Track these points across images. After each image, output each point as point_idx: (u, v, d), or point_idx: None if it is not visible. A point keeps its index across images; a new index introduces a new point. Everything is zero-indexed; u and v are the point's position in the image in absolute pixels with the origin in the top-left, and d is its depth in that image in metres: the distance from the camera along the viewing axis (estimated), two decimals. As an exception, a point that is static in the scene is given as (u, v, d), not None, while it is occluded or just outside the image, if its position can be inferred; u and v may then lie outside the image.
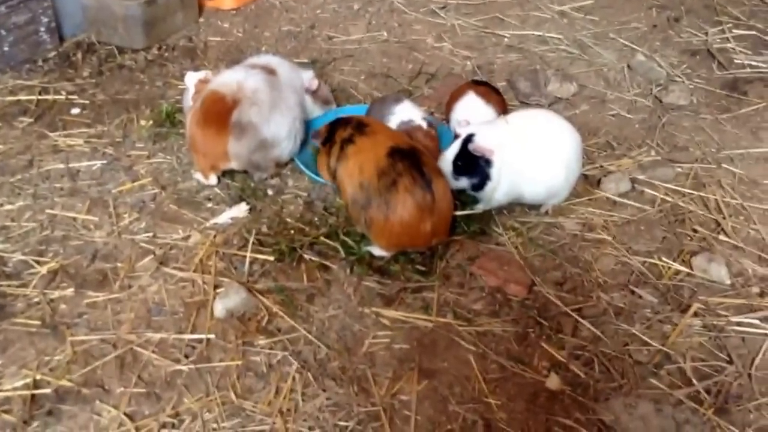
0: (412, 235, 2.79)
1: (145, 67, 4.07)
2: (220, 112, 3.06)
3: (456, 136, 3.05)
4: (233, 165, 3.17)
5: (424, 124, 3.17)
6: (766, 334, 2.71)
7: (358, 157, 2.86)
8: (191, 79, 3.36)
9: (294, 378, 2.51)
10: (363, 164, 2.82)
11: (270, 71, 3.22)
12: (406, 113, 3.20)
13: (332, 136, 2.99)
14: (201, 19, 4.55)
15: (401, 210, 2.74)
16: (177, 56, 4.17)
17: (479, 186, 3.00)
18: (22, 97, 3.79)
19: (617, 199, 3.26)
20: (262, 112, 3.09)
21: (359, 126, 2.93)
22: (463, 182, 3.01)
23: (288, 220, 3.09)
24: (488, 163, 2.96)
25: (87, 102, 3.79)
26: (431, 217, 2.76)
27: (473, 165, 2.97)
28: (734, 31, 4.41)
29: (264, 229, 3.04)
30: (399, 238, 2.81)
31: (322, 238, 2.98)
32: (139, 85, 3.92)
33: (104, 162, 3.37)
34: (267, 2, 4.81)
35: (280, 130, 3.15)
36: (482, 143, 2.95)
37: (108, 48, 4.21)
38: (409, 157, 2.78)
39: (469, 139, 2.96)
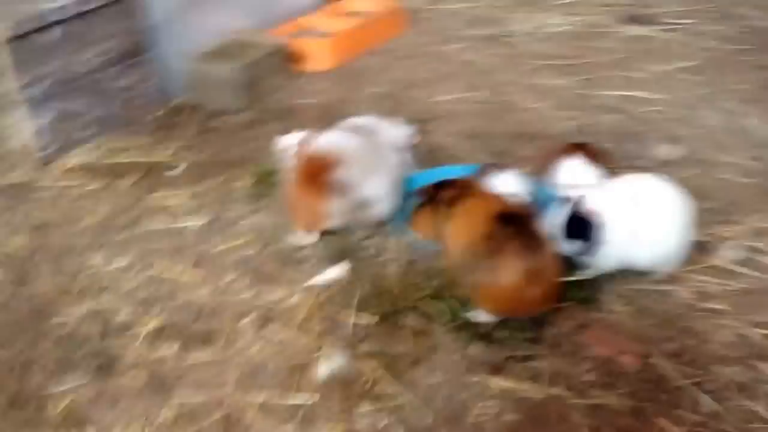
0: (519, 300, 2.72)
1: (243, 128, 4.18)
2: (320, 172, 3.10)
3: (563, 200, 2.99)
4: (332, 224, 3.20)
5: (524, 198, 3.11)
6: None
7: (464, 219, 2.82)
8: (284, 141, 3.42)
9: (400, 446, 2.45)
10: (470, 227, 2.78)
11: (369, 132, 3.27)
12: (506, 182, 3.15)
13: (438, 196, 2.97)
14: (297, 81, 4.65)
15: (508, 275, 2.68)
16: (273, 117, 4.26)
17: (589, 250, 2.93)
18: (127, 160, 3.94)
19: (733, 267, 3.12)
20: (362, 172, 3.12)
21: (467, 188, 2.91)
22: (573, 246, 2.93)
23: (389, 281, 3.06)
24: (598, 226, 2.89)
25: (189, 162, 3.90)
26: (539, 283, 2.69)
27: (583, 229, 2.90)
28: None
29: (365, 290, 3.02)
30: (505, 303, 2.74)
31: (424, 301, 2.94)
32: (237, 145, 4.01)
33: (206, 221, 3.44)
34: (362, 64, 4.89)
35: (379, 189, 3.17)
36: (592, 206, 2.88)
37: (208, 110, 4.35)
38: (518, 222, 2.73)
39: (578, 202, 2.91)
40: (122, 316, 2.94)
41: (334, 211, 3.13)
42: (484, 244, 2.71)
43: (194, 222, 3.43)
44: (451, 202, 2.89)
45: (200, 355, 2.76)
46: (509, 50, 4.91)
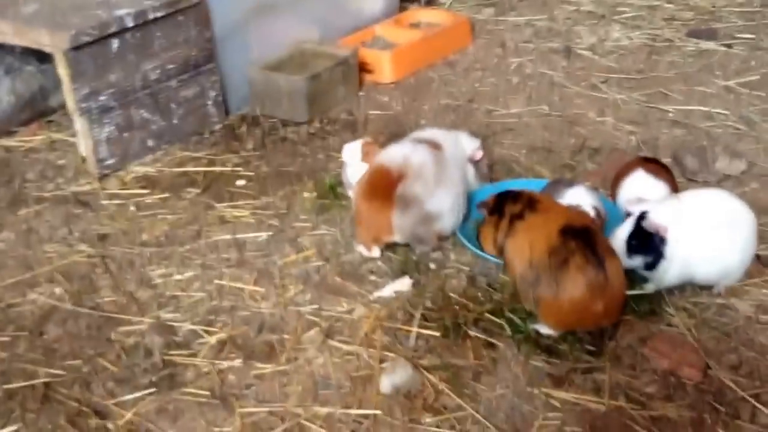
0: (582, 315, 2.75)
1: (308, 140, 4.24)
2: (385, 185, 3.16)
3: (628, 214, 3.01)
4: (396, 238, 3.24)
5: (592, 213, 3.14)
6: None
7: (528, 233, 2.86)
8: (349, 151, 3.49)
9: (463, 458, 2.50)
10: (533, 241, 2.82)
11: (435, 146, 3.31)
12: (575, 197, 3.19)
13: (501, 209, 3.01)
14: (361, 93, 4.72)
15: (572, 289, 2.71)
16: (338, 129, 4.33)
17: (653, 264, 2.94)
18: (190, 169, 4.03)
19: (793, 281, 3.11)
20: (427, 186, 3.16)
21: (530, 202, 2.94)
22: (637, 261, 2.95)
23: (451, 295, 3.10)
24: (662, 240, 2.90)
25: (252, 174, 3.98)
26: (603, 297, 2.71)
27: (647, 243, 2.92)
28: None
29: (428, 303, 3.07)
30: (568, 317, 2.77)
31: (487, 315, 2.97)
32: (301, 157, 4.08)
33: (270, 233, 3.51)
34: (426, 76, 4.94)
35: (444, 203, 3.21)
36: (656, 220, 2.90)
37: (272, 121, 4.42)
38: (582, 236, 2.76)
39: (642, 216, 2.92)
40: (186, 328, 3.01)
41: (398, 225, 3.18)
42: (548, 259, 2.75)
43: (258, 234, 3.51)
44: (515, 217, 2.92)
45: (264, 368, 2.83)
46: (573, 63, 4.93)
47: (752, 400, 2.63)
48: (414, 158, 3.20)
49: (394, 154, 3.25)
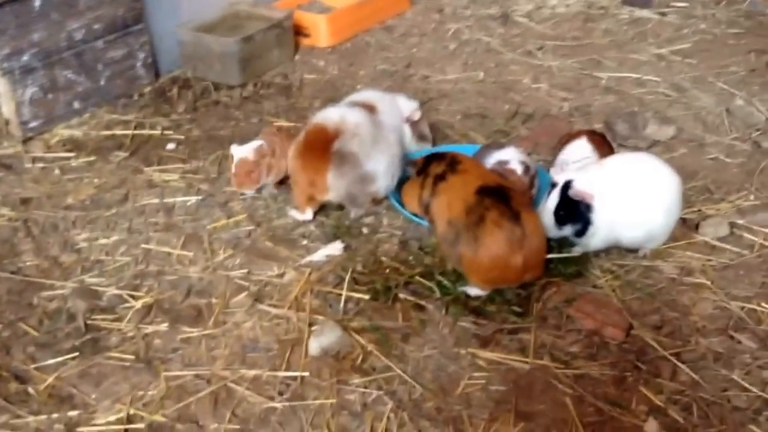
0: (503, 270, 2.81)
1: (241, 103, 4.20)
2: (321, 143, 3.16)
3: (553, 185, 3.05)
4: (331, 196, 3.24)
5: (519, 169, 3.19)
6: None
7: (448, 194, 2.93)
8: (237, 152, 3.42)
9: (389, 417, 2.53)
10: (452, 202, 2.89)
11: (371, 108, 3.34)
12: (503, 155, 3.23)
13: (427, 170, 3.06)
14: (296, 57, 4.68)
15: (490, 244, 2.77)
16: (272, 93, 4.29)
17: (582, 232, 3.01)
18: (118, 132, 3.97)
19: (716, 243, 3.21)
20: (364, 145, 3.18)
21: (452, 163, 3.00)
22: (567, 230, 3.01)
23: (383, 259, 3.13)
24: (589, 208, 2.96)
25: (182, 137, 3.94)
26: (521, 250, 2.78)
27: (574, 212, 2.97)
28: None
29: (359, 267, 3.09)
30: (491, 273, 2.83)
31: (417, 278, 3.01)
32: (234, 121, 4.04)
33: (199, 198, 3.49)
34: (362, 41, 4.93)
35: (379, 165, 3.23)
36: (581, 188, 2.95)
37: (203, 84, 4.37)
38: (497, 194, 2.83)
39: (567, 185, 2.98)
40: (110, 293, 2.98)
41: (333, 183, 3.19)
42: (465, 218, 2.82)
43: (187, 199, 3.48)
44: (438, 178, 2.98)
45: (191, 332, 2.82)
46: (510, 30, 4.96)
47: (673, 359, 2.72)
48: (350, 117, 3.22)
49: (330, 113, 3.26)
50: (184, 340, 2.80)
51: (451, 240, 2.88)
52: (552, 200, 3.00)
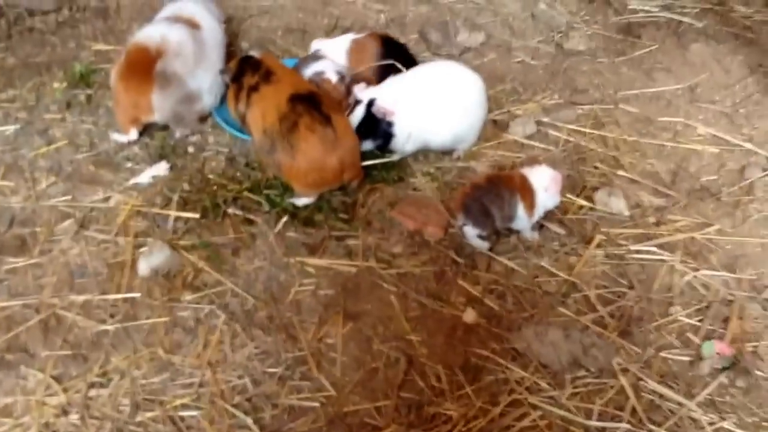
0: (321, 172, 2.72)
1: (56, 28, 3.79)
2: (144, 64, 2.90)
3: (357, 102, 2.94)
4: (156, 118, 3.00)
5: (334, 77, 3.06)
6: (662, 260, 2.76)
7: (261, 104, 2.78)
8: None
9: (222, 330, 2.43)
10: (266, 111, 2.75)
11: (194, 24, 3.09)
12: (319, 66, 3.08)
13: (240, 79, 2.87)
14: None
15: (305, 147, 2.67)
16: (89, 17, 3.89)
17: (384, 145, 2.95)
18: None
19: (524, 141, 3.23)
20: (187, 64, 2.96)
21: (265, 74, 2.83)
22: (369, 145, 2.94)
23: (210, 176, 2.96)
24: (390, 124, 2.89)
25: (-4, 66, 3.53)
26: (336, 151, 2.70)
27: (374, 128, 2.90)
28: (628, -22, 4.42)
29: (186, 186, 2.91)
30: (308, 176, 2.72)
31: (245, 193, 2.87)
32: (50, 47, 3.65)
33: (17, 126, 3.14)
34: (179, -40, 4.54)
35: (203, 82, 3.02)
36: (383, 105, 2.87)
37: (16, 11, 3.89)
38: (308, 100, 2.72)
39: (371, 103, 2.88)
40: (-74, 229, 2.69)
41: (158, 104, 2.95)
42: (279, 126, 2.69)
43: (4, 128, 3.13)
44: (252, 89, 2.82)
45: (16, 262, 2.59)
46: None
47: (488, 252, 2.74)
48: (172, 36, 2.97)
49: (151, 32, 2.99)
50: (9, 270, 2.57)
51: (267, 149, 2.75)
52: (356, 117, 2.91)
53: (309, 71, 3.08)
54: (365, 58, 3.20)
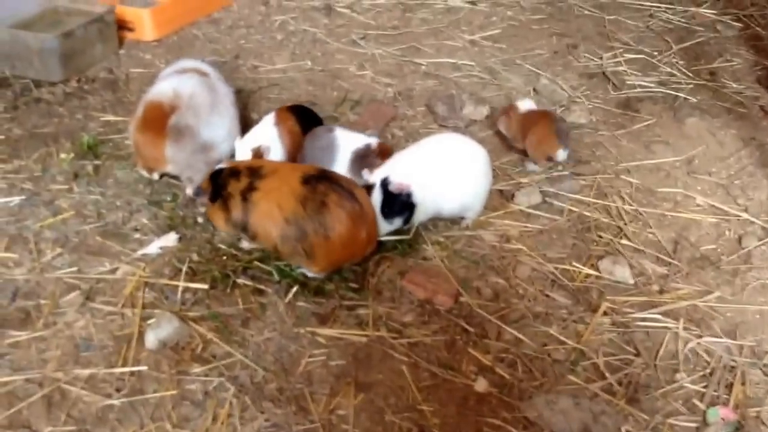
0: (352, 247, 2.71)
1: (64, 100, 3.83)
2: (158, 120, 3.01)
3: (370, 186, 2.90)
4: (170, 169, 3.10)
5: (374, 142, 3.12)
6: (666, 328, 2.74)
7: (270, 197, 2.68)
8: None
9: (231, 403, 2.36)
10: (280, 201, 2.66)
11: (202, 72, 3.18)
12: (353, 140, 3.12)
13: (224, 190, 2.74)
14: (121, 51, 4.31)
15: (339, 226, 2.65)
16: (97, 88, 3.94)
17: (409, 217, 2.95)
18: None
19: (530, 211, 3.25)
20: (200, 114, 3.04)
21: (252, 172, 2.74)
22: (398, 222, 2.93)
23: (220, 246, 2.93)
24: (409, 195, 2.89)
25: (2, 137, 3.52)
26: (364, 225, 2.70)
27: (398, 204, 2.89)
28: (625, 55, 4.52)
29: (195, 257, 2.88)
30: (341, 253, 2.70)
31: (255, 263, 2.84)
32: (57, 118, 3.68)
33: (23, 197, 3.13)
34: (190, 33, 4.62)
35: (219, 131, 3.09)
36: (397, 181, 2.88)
37: (23, 82, 3.95)
38: (324, 178, 2.70)
39: (385, 182, 2.88)
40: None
41: (171, 156, 3.04)
42: (304, 210, 2.64)
43: (9, 199, 3.11)
44: (246, 191, 2.72)
45: (19, 336, 2.53)
46: (334, 20, 4.84)
47: (497, 321, 2.71)
48: (184, 88, 3.05)
49: (164, 88, 3.09)
50: (11, 344, 2.50)
51: (296, 236, 2.66)
52: (376, 200, 2.88)
53: (343, 148, 3.11)
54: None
